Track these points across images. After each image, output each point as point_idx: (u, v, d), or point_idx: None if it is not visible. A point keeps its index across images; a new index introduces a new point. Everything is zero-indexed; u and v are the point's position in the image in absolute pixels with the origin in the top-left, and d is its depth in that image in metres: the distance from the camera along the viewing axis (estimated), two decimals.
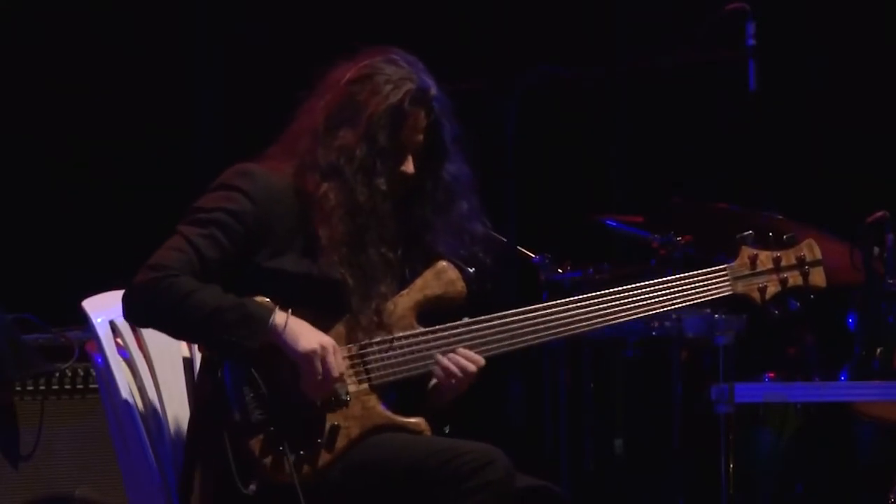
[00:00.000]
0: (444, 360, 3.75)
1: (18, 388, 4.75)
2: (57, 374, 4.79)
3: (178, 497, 3.75)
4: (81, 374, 4.81)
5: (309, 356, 3.60)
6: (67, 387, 4.81)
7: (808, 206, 5.79)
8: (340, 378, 3.65)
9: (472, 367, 3.75)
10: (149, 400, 3.87)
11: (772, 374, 5.47)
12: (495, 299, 3.89)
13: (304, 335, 3.62)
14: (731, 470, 5.10)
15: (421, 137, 3.78)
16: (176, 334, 3.73)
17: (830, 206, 5.84)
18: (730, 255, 4.44)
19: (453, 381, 3.74)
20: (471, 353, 3.76)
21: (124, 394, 3.86)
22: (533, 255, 5.25)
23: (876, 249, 5.18)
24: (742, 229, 4.10)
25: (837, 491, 5.33)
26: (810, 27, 6.46)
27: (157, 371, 3.90)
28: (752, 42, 4.90)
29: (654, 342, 5.26)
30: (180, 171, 6.08)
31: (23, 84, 5.98)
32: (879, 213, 5.23)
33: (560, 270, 5.29)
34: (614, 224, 5.52)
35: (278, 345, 3.61)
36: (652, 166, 6.54)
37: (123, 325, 3.89)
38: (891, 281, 5.21)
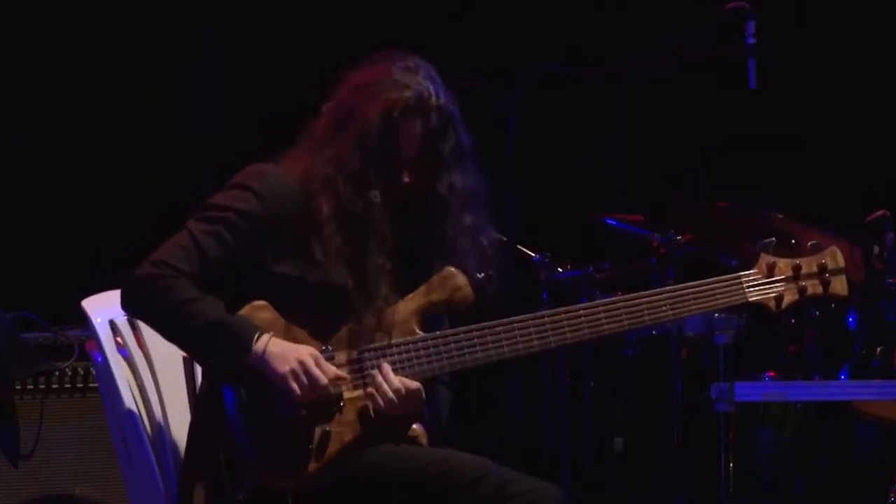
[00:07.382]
0: (371, 388, 3.68)
1: (18, 387, 4.76)
2: (57, 373, 4.80)
3: (178, 499, 3.75)
4: (81, 372, 4.82)
5: (286, 376, 3.59)
6: (67, 386, 4.82)
7: (808, 205, 5.78)
8: (326, 387, 3.61)
9: (392, 396, 3.64)
10: (148, 398, 3.88)
11: (772, 373, 5.46)
12: (499, 304, 3.83)
13: (282, 356, 3.60)
14: (730, 469, 5.09)
15: (418, 148, 3.73)
16: (164, 335, 3.71)
17: (830, 206, 5.84)
18: (732, 255, 4.40)
19: (382, 404, 3.66)
20: (403, 382, 3.66)
21: (124, 393, 3.86)
22: (533, 255, 5.26)
23: (876, 248, 5.19)
24: (742, 228, 4.10)
25: (837, 490, 5.33)
26: (810, 27, 6.46)
27: (157, 370, 3.90)
28: (752, 40, 4.91)
29: (653, 341, 5.26)
30: (180, 171, 6.08)
31: (22, 83, 5.98)
32: (879, 212, 5.23)
33: (560, 269, 5.29)
34: (614, 223, 5.52)
35: (259, 368, 3.60)
36: (652, 166, 6.53)
37: (123, 325, 3.90)
38: (891, 280, 5.21)
